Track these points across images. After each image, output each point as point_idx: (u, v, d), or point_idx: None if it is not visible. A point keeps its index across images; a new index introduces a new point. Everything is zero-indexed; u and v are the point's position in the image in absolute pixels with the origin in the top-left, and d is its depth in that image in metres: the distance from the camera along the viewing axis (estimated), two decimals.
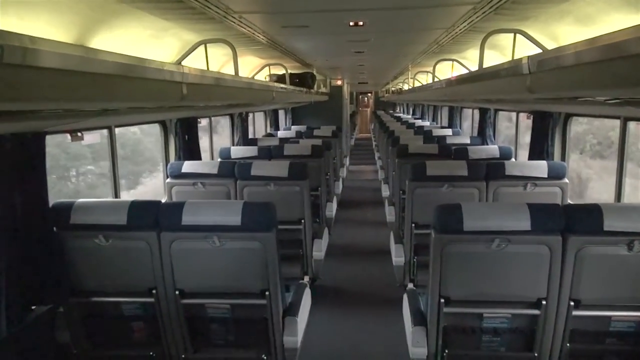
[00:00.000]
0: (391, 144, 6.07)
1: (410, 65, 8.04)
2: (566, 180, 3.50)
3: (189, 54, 3.20)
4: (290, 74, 7.33)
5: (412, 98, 10.08)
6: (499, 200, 3.45)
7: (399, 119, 12.57)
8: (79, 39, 2.15)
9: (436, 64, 5.59)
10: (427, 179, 3.56)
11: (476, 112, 7.49)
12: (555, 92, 1.97)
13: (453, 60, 5.51)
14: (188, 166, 3.89)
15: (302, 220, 3.67)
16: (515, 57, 2.18)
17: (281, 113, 10.39)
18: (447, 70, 6.17)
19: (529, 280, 2.20)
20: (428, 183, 3.56)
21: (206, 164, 3.94)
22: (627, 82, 1.10)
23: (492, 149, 4.87)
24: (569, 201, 3.61)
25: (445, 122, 10.50)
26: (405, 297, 2.76)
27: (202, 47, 3.33)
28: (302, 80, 6.98)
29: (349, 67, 8.48)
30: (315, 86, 9.14)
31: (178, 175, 3.89)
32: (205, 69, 3.26)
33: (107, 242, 2.30)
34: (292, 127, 9.49)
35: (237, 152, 5.22)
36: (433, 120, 11.12)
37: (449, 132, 7.60)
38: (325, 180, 5.06)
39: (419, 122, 10.75)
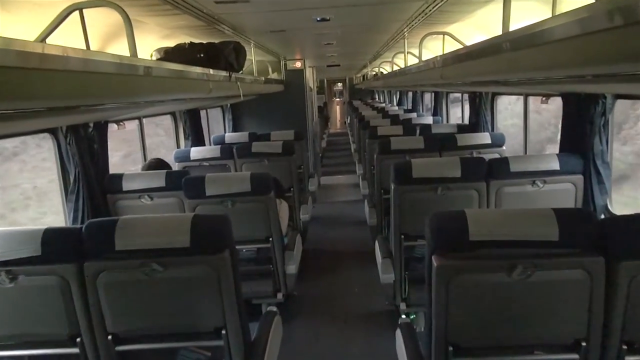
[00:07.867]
0: (400, 174, 2.98)
1: (407, 33, 4.80)
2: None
3: None
4: (191, 44, 3.89)
5: (406, 82, 6.68)
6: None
7: (384, 112, 9.09)
8: None
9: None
10: None
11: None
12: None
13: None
14: None
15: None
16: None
17: (217, 112, 6.92)
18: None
19: None
20: None
21: None
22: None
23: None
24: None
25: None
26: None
27: None
28: (212, 55, 3.54)
29: (308, 36, 5.07)
30: (256, 70, 5.67)
31: None
32: None
33: None
34: (227, 135, 6.00)
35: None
36: (435, 114, 7.75)
37: (486, 138, 4.34)
38: None
39: (415, 118, 7.49)
